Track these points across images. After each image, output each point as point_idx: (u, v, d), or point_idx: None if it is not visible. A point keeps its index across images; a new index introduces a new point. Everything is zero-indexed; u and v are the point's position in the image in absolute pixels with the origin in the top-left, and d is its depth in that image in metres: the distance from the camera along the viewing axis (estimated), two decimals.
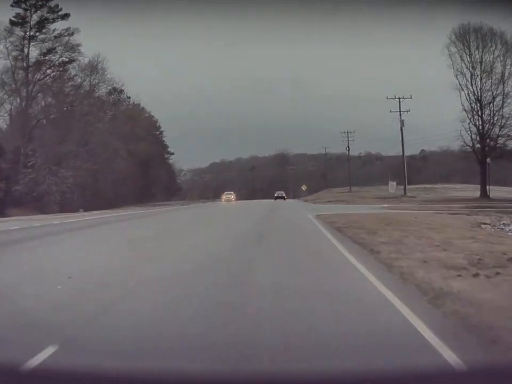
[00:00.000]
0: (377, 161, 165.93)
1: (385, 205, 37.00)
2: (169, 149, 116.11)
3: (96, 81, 55.63)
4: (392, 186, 54.86)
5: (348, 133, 79.67)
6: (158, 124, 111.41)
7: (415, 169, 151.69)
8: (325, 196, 67.05)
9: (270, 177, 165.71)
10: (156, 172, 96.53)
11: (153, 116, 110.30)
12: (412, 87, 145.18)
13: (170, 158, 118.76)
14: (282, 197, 70.12)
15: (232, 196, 73.65)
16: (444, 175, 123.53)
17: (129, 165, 70.49)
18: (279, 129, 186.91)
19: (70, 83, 52.31)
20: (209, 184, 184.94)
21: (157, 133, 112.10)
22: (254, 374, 3.45)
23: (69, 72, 52.32)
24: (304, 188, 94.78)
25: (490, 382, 2.31)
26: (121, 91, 73.88)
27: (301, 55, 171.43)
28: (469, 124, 47.24)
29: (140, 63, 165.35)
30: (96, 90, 57.07)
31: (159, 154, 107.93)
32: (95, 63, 54.95)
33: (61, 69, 51.04)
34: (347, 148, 78.70)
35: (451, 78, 48.19)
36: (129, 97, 77.65)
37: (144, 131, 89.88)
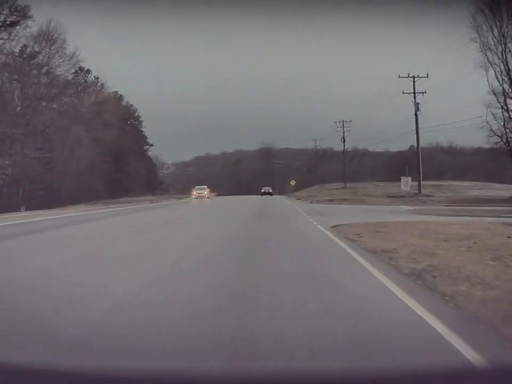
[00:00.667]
0: (365, 157, 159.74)
1: (409, 207, 27.87)
2: (148, 140, 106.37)
3: (52, 53, 45.75)
4: (407, 183, 45.57)
5: (343, 122, 70.38)
6: (137, 114, 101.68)
7: (407, 165, 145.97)
8: (320, 193, 57.93)
9: (255, 171, 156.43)
10: (133, 164, 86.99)
11: (132, 105, 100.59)
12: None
13: (150, 149, 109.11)
14: (269, 193, 69.68)
15: (206, 192, 63.08)
16: (436, 172, 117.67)
17: (97, 154, 60.80)
18: (265, 124, 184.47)
19: (16, 52, 42.40)
20: (192, 178, 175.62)
21: (136, 122, 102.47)
22: (253, 374, 3.15)
23: (16, 40, 42.49)
24: (293, 183, 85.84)
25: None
26: (88, 71, 64.11)
27: (289, 52, 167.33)
28: (502, 108, 38.31)
29: (131, 62, 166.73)
30: (53, 65, 47.18)
31: (137, 146, 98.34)
32: (51, 31, 45.20)
33: (6, 37, 41.22)
34: (342, 139, 69.35)
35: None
36: (97, 78, 67.66)
37: (119, 119, 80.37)
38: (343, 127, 68.68)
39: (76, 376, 2.22)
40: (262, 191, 71.38)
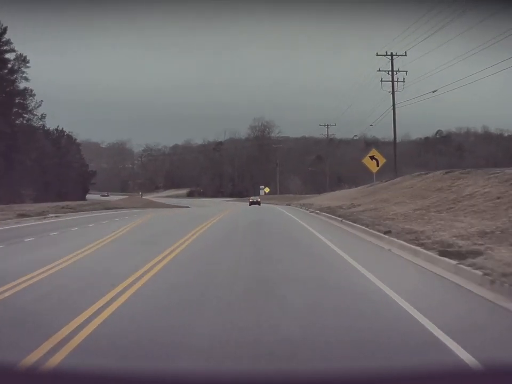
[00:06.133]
0: (383, 146, 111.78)
1: None
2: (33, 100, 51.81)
3: None
4: None
5: None
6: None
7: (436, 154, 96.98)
8: None
9: (245, 158, 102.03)
10: None
11: None
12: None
13: (37, 118, 54.67)
14: (257, 202, 60.55)
15: None
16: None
17: None
18: (259, 114, 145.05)
19: None
20: (161, 169, 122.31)
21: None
22: (253, 374, 2.98)
23: None
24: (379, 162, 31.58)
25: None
26: None
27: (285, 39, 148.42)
28: None
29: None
30: None
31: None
32: None
33: None
34: None
35: None
36: None
37: None
38: None
39: (76, 376, 2.01)
40: (250, 200, 61.47)
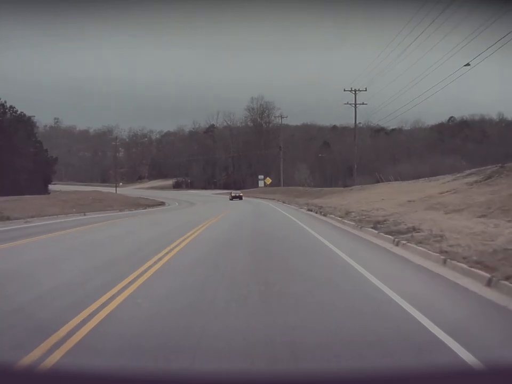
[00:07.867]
0: (393, 134, 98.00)
1: None
2: None
3: None
4: None
5: None
6: None
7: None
8: None
9: (241, 142, 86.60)
10: None
11: None
12: None
13: None
14: (239, 197, 59.09)
15: None
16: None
17: None
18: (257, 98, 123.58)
19: None
20: (147, 157, 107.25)
21: None
22: (253, 374, 2.99)
23: None
24: None
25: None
26: None
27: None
28: None
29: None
30: None
31: None
32: None
33: None
34: None
35: None
36: None
37: None
38: None
39: (74, 375, 2.00)
40: (232, 195, 59.62)
